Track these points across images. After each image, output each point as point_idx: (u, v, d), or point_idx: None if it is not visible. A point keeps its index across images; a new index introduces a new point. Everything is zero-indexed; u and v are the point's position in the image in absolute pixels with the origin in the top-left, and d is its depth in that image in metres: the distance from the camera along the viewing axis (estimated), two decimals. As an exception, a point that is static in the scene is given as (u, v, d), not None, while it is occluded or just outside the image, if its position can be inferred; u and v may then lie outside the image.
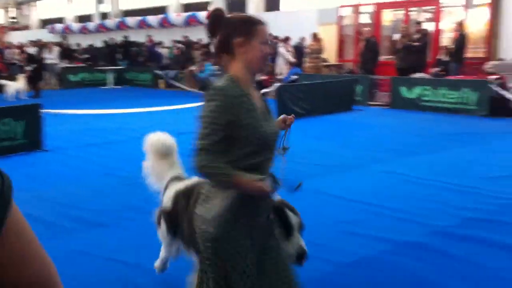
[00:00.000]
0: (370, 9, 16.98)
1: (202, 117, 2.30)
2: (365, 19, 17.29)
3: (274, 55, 16.69)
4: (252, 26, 2.37)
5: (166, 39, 22.83)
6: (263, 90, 14.63)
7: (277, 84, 12.82)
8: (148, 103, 13.00)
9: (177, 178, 3.58)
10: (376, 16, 16.82)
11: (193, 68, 18.38)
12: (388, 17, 16.90)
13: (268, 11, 21.88)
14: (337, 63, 17.66)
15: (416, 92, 12.95)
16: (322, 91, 12.44)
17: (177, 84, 19.00)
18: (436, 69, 13.99)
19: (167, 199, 3.45)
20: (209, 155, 2.25)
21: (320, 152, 8.23)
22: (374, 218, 5.18)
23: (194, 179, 3.32)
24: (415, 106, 12.75)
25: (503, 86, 11.70)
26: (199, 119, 2.32)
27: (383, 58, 15.78)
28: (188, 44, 20.93)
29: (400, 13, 16.54)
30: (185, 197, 3.22)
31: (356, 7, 17.34)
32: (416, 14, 16.04)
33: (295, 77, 15.14)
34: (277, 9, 21.96)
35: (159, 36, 23.54)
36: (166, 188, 3.55)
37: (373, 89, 14.19)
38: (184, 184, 3.41)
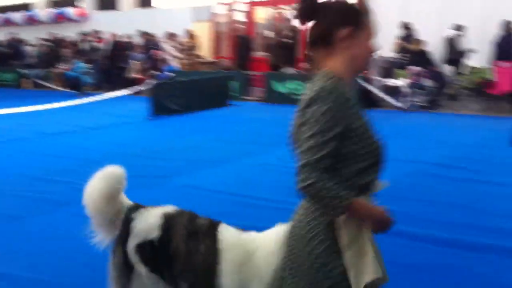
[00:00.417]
0: (244, 7, 17.22)
1: (307, 124, 1.85)
2: (239, 16, 17.50)
3: (147, 51, 16.39)
4: (361, 15, 1.94)
5: (33, 37, 21.54)
6: (137, 89, 14.35)
7: (152, 82, 12.59)
8: (12, 104, 12.17)
9: (137, 207, 2.62)
10: (249, 13, 17.09)
11: (62, 66, 17.53)
12: (261, 14, 17.25)
13: (140, 8, 21.44)
14: (212, 59, 17.73)
15: (288, 86, 13.38)
16: (198, 87, 12.41)
17: (46, 83, 18.01)
18: (306, 64, 14.52)
19: (148, 227, 2.48)
20: (317, 171, 1.80)
21: (193, 148, 8.18)
22: (243, 209, 5.19)
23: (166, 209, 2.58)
24: (288, 100, 13.08)
25: (368, 80, 12.44)
26: (299, 127, 1.90)
27: (257, 54, 16.09)
28: (57, 42, 19.93)
29: (272, 11, 16.93)
30: (184, 226, 2.47)
31: (229, 5, 17.49)
32: (288, 12, 16.52)
33: (171, 74, 14.98)
34: (149, 5, 21.58)
35: (24, 33, 22.14)
36: (130, 219, 2.54)
37: (248, 84, 14.42)
38: (165, 210, 2.56)
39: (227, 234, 2.42)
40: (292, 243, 2.01)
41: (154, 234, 2.44)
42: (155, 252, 2.43)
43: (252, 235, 2.44)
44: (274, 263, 2.19)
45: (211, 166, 7.01)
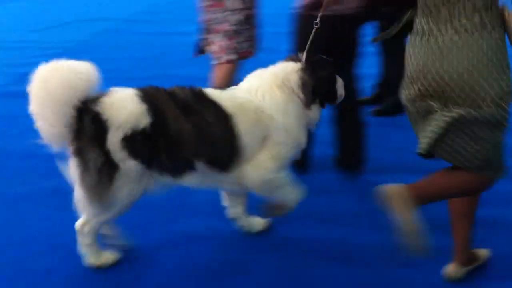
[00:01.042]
0: None
1: None
2: None
3: None
4: None
5: None
6: None
7: None
8: None
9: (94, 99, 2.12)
10: None
11: None
12: None
13: None
14: None
15: None
16: None
17: None
18: None
19: (134, 116, 2.11)
20: None
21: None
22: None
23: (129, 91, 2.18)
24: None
25: None
26: None
27: None
28: None
29: None
30: (172, 102, 2.18)
31: None
32: None
33: None
34: None
35: None
36: (96, 113, 2.09)
37: None
38: (136, 91, 2.17)
39: (223, 96, 2.28)
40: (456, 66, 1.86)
41: (144, 121, 2.12)
42: (149, 140, 2.15)
43: (242, 89, 2.36)
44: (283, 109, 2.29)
45: None
